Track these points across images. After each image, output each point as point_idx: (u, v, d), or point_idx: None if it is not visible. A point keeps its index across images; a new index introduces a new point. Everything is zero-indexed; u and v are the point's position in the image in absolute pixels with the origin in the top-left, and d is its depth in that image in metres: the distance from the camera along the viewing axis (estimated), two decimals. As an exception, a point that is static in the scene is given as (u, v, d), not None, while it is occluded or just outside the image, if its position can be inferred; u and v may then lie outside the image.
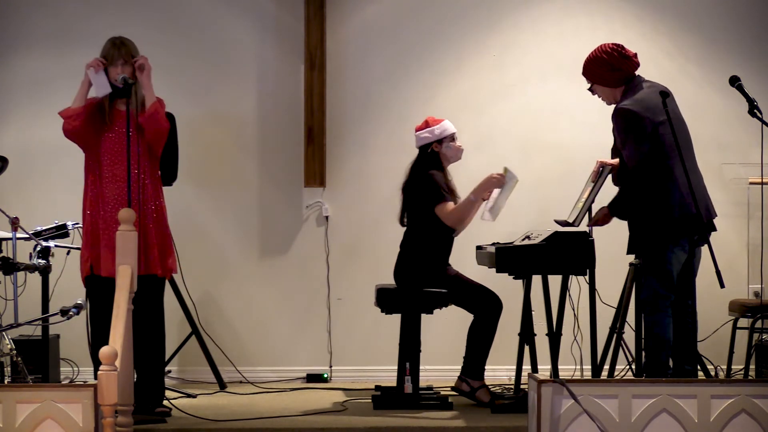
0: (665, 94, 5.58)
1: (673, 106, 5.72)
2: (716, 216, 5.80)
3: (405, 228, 6.40)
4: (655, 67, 7.47)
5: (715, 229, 5.76)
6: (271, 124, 7.52)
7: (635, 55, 5.80)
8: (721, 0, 7.57)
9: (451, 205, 6.23)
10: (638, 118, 5.58)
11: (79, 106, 5.69)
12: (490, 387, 6.27)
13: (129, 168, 5.53)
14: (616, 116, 5.68)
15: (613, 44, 5.81)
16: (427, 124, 6.38)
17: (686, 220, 5.60)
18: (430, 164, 6.31)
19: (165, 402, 5.88)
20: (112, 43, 5.77)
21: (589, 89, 5.93)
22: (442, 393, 6.39)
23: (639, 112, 5.60)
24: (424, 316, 6.27)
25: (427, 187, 6.25)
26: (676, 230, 5.60)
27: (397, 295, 6.22)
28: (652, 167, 5.60)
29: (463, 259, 6.49)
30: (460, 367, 6.25)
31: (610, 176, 6.06)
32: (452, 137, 6.37)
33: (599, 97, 5.92)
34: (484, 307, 6.14)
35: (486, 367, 6.24)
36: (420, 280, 6.22)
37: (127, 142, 5.57)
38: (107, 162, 5.69)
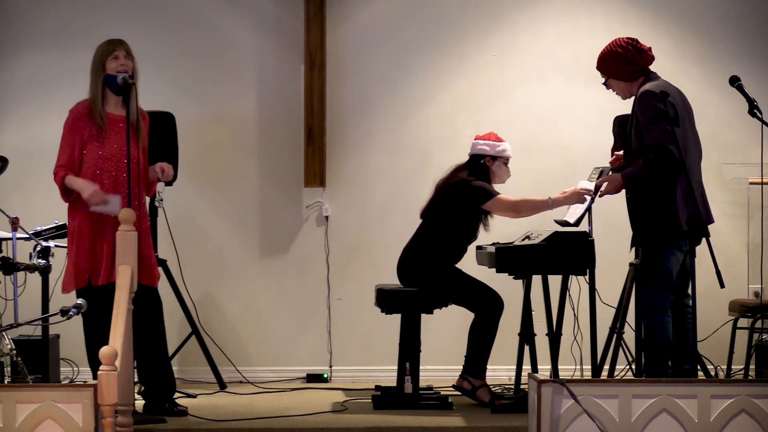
0: (665, 94, 5.58)
1: (689, 108, 5.76)
2: (713, 222, 5.77)
3: (422, 221, 6.35)
4: (655, 67, 7.45)
5: (708, 235, 5.72)
6: (271, 124, 7.52)
7: (650, 49, 5.80)
8: (721, 0, 7.57)
9: (506, 195, 6.20)
10: (664, 100, 5.56)
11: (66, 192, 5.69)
12: (492, 390, 6.27)
13: (129, 169, 5.51)
14: (641, 97, 5.63)
15: (627, 38, 5.81)
16: (489, 138, 6.35)
17: (688, 220, 5.59)
18: (477, 175, 6.29)
19: (180, 401, 5.93)
20: (109, 41, 5.73)
21: (604, 83, 5.90)
22: (442, 393, 6.39)
23: (664, 95, 5.59)
24: (424, 316, 6.27)
25: (473, 191, 6.20)
26: (677, 230, 5.58)
27: (397, 295, 6.22)
28: (671, 151, 5.54)
29: (463, 259, 6.48)
30: (460, 367, 6.25)
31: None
32: (507, 161, 6.35)
33: (614, 91, 5.89)
34: (485, 306, 6.13)
35: (486, 367, 6.24)
36: (423, 273, 6.20)
37: (127, 143, 5.55)
38: (108, 166, 5.65)
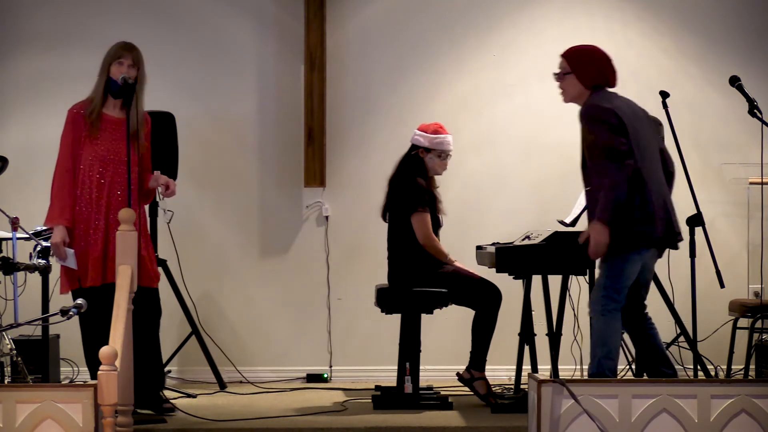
0: (612, 108, 5.37)
1: (642, 116, 5.56)
2: (679, 232, 5.48)
3: (388, 227, 6.38)
4: (655, 66, 7.48)
5: (677, 247, 5.53)
6: (271, 124, 7.52)
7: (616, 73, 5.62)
8: (721, 0, 7.57)
9: (427, 218, 6.24)
10: (613, 113, 5.36)
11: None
12: (491, 386, 6.27)
13: (129, 170, 5.52)
14: (588, 111, 5.42)
15: (605, 53, 5.62)
16: (427, 129, 6.37)
17: (651, 229, 5.37)
18: (413, 167, 6.33)
19: (179, 401, 5.92)
20: (123, 45, 5.74)
21: (558, 74, 5.67)
22: (442, 393, 6.39)
23: (613, 108, 5.38)
24: (424, 316, 6.27)
25: (408, 192, 6.26)
26: (638, 238, 5.36)
27: (397, 295, 6.22)
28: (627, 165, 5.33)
29: (462, 260, 6.48)
30: (460, 367, 6.26)
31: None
32: (441, 154, 6.35)
33: (562, 87, 5.66)
34: (483, 301, 6.15)
35: (486, 367, 6.24)
36: (416, 283, 6.21)
37: (127, 143, 5.57)
38: (97, 168, 5.66)
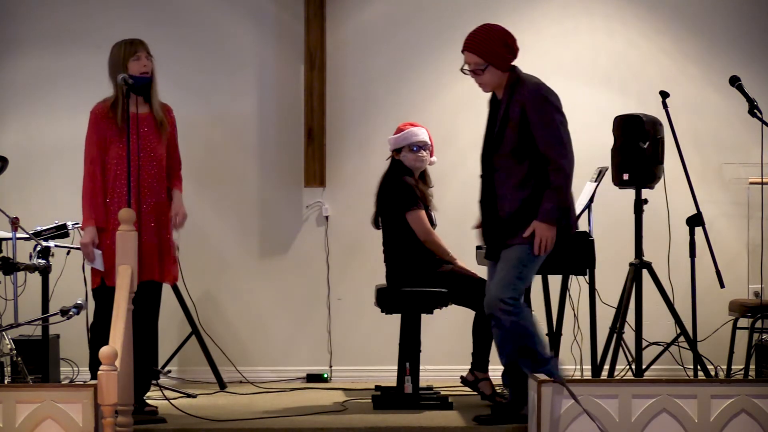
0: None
1: None
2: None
3: (382, 233, 6.38)
4: (655, 66, 7.48)
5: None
6: (271, 124, 7.52)
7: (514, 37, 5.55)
8: (721, 0, 7.57)
9: (423, 214, 6.25)
10: (557, 97, 5.37)
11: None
12: (494, 386, 6.28)
13: (129, 168, 5.53)
14: (539, 93, 5.36)
15: (501, 26, 5.52)
16: (396, 132, 6.39)
17: (572, 222, 5.38)
18: (396, 169, 6.36)
19: (153, 402, 5.90)
20: (130, 42, 5.74)
21: (475, 71, 5.52)
22: (442, 393, 6.39)
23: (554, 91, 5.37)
24: (424, 316, 6.27)
25: (399, 192, 6.28)
26: (562, 233, 5.34)
27: (397, 295, 6.22)
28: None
29: (462, 259, 6.48)
30: (459, 367, 6.29)
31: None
32: (411, 148, 6.34)
33: (480, 80, 5.54)
34: (481, 301, 6.14)
35: (488, 360, 6.24)
36: (414, 284, 6.21)
37: (127, 141, 5.58)
38: (125, 165, 5.67)
